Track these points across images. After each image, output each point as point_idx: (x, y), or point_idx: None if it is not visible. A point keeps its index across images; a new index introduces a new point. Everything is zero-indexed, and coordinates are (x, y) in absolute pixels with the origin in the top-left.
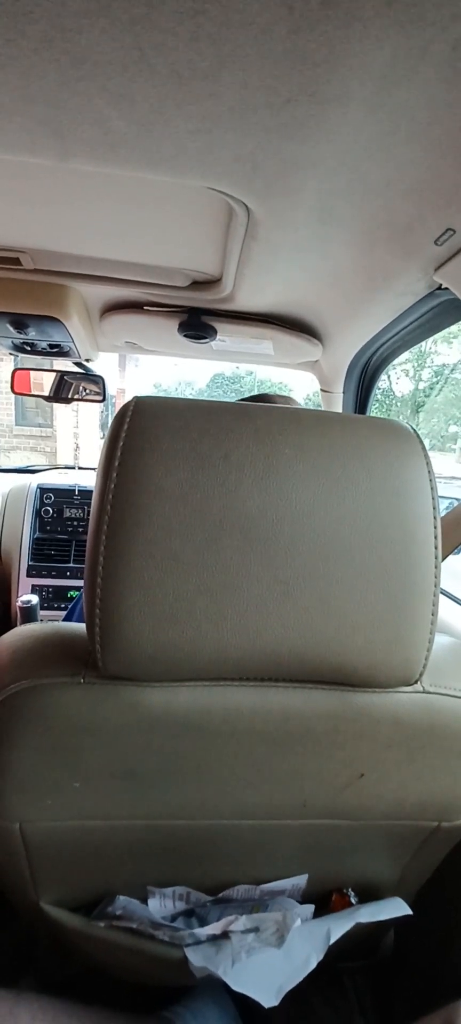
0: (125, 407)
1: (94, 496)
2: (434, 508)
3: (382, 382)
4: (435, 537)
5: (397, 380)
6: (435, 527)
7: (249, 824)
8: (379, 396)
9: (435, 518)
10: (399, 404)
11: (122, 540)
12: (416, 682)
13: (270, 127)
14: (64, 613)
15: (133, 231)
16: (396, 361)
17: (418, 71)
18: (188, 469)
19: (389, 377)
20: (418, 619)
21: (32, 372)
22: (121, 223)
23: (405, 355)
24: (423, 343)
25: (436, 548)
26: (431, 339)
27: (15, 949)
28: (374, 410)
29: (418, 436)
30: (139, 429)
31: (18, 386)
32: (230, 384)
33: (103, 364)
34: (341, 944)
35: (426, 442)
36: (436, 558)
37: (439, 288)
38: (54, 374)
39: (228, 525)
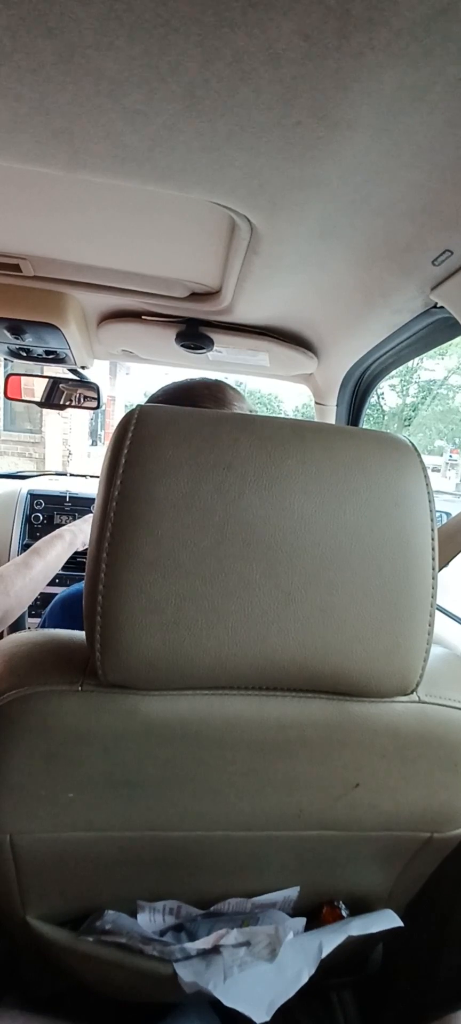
0: (129, 416)
1: (96, 503)
2: (431, 520)
3: (370, 397)
4: (432, 548)
5: (386, 395)
6: (432, 538)
7: (244, 835)
8: (367, 410)
9: (432, 529)
10: (387, 418)
11: (125, 548)
12: (412, 692)
13: (279, 147)
14: None
15: (134, 241)
16: (386, 377)
17: (424, 100)
18: (191, 478)
19: (378, 392)
20: (416, 629)
21: (25, 378)
22: (123, 233)
23: (394, 371)
24: (411, 360)
25: (433, 559)
26: (418, 356)
27: (2, 964)
28: (364, 424)
29: (416, 449)
30: (143, 438)
31: (11, 391)
32: None
33: (93, 372)
34: (331, 958)
35: None
36: (433, 569)
37: (435, 307)
38: (48, 380)
39: (230, 534)
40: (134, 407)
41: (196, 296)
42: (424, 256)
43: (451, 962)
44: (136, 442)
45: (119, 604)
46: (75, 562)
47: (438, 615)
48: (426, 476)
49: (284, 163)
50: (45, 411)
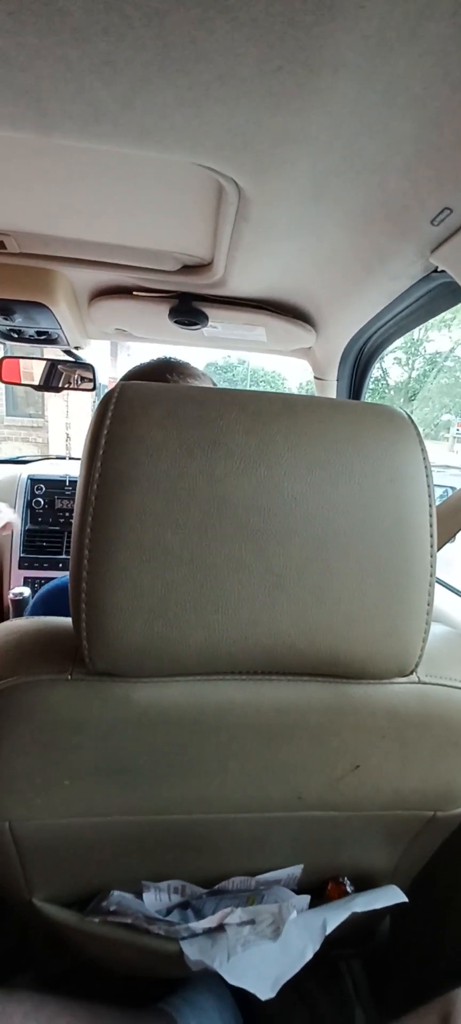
0: (110, 393)
1: (78, 486)
2: (429, 495)
3: (374, 370)
4: (431, 525)
5: (390, 368)
6: (430, 515)
7: (244, 817)
8: (371, 385)
9: (431, 505)
10: (392, 392)
11: (108, 532)
12: (412, 673)
13: (260, 97)
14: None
15: (121, 212)
16: (388, 349)
17: (414, 37)
18: (175, 458)
19: (382, 366)
20: (414, 609)
21: (21, 360)
22: (109, 204)
23: (398, 343)
24: (416, 331)
25: (432, 536)
26: (423, 327)
27: (11, 945)
28: (367, 399)
29: (413, 422)
30: (124, 416)
31: (6, 375)
32: (222, 373)
33: (95, 352)
34: (337, 932)
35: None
36: (432, 546)
37: (435, 271)
38: (44, 362)
39: (218, 515)
40: (117, 383)
41: (188, 269)
42: (422, 215)
43: (456, 937)
44: (117, 421)
45: (104, 590)
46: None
47: (443, 591)
48: (423, 450)
49: (267, 116)
50: (47, 395)
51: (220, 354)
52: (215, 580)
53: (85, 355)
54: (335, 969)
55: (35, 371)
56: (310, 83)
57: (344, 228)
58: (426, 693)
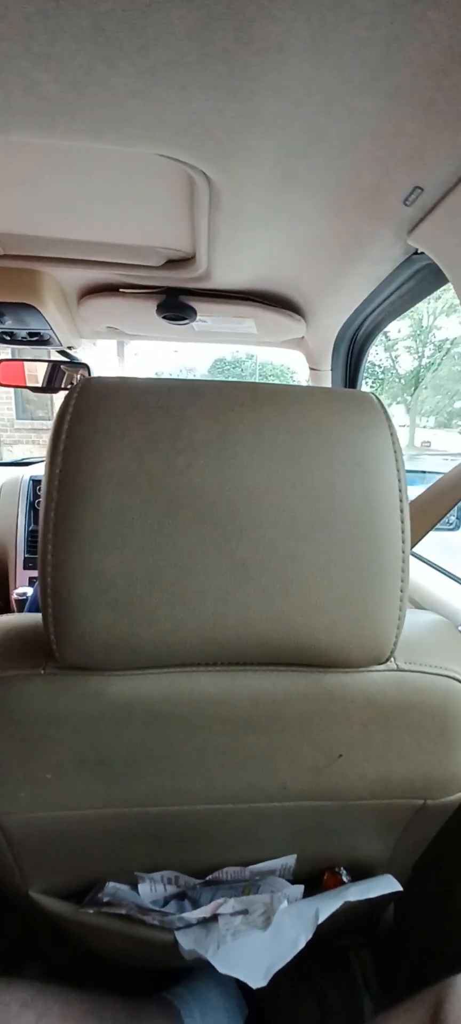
0: (73, 388)
1: (42, 482)
2: (399, 480)
3: (384, 360)
4: (401, 510)
5: (399, 356)
6: (401, 499)
7: (230, 808)
8: (381, 375)
9: (401, 490)
10: (403, 382)
11: (70, 526)
12: (388, 660)
13: (211, 81)
14: None
15: (101, 209)
16: (398, 337)
17: (360, 11)
18: (136, 450)
19: (392, 355)
20: (386, 595)
21: (13, 363)
22: (89, 201)
23: (406, 330)
24: (425, 318)
25: (403, 521)
26: (432, 314)
27: (14, 937)
28: (377, 388)
29: (382, 405)
30: (84, 410)
31: (4, 378)
32: (231, 369)
33: (101, 353)
34: (337, 922)
35: (432, 419)
36: (403, 531)
37: (416, 253)
38: (44, 365)
39: (180, 506)
40: (79, 378)
41: (173, 263)
42: (394, 196)
43: (458, 925)
44: (78, 415)
45: (68, 584)
46: None
47: (443, 579)
48: (393, 434)
49: (221, 101)
50: (56, 398)
51: (228, 350)
52: (180, 572)
53: (91, 356)
54: (343, 959)
55: (38, 373)
56: (259, 64)
57: (320, 213)
58: (405, 680)
